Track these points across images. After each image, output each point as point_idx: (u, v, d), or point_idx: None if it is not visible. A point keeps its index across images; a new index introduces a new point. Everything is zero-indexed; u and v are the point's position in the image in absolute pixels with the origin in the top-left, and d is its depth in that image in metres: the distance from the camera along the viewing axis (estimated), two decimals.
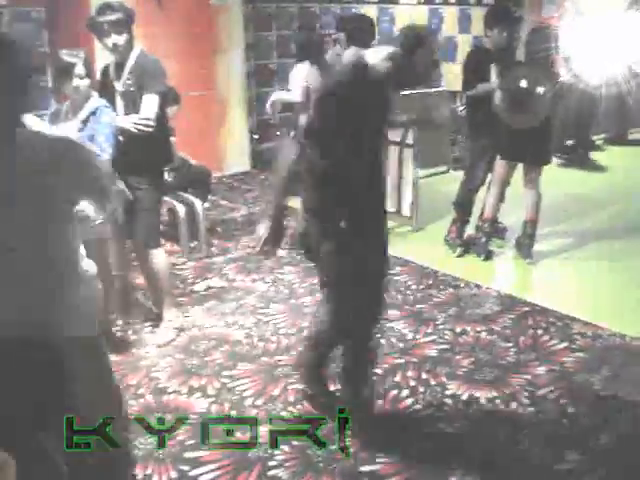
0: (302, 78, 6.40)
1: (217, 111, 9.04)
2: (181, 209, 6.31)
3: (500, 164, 6.18)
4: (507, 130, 5.81)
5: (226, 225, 7.39)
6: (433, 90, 10.46)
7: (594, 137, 10.49)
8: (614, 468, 3.53)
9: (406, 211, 7.24)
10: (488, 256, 6.28)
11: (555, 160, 7.91)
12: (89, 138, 4.22)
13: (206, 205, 6.97)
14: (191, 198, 6.48)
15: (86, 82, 4.21)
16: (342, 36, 6.23)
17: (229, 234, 7.09)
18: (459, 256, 6.38)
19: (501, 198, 6.29)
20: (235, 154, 9.33)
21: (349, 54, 6.25)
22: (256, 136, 9.45)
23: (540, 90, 5.60)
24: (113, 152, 4.25)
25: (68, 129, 4.26)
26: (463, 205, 6.44)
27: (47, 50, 8.21)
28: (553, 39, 5.91)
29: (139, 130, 4.43)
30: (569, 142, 9.88)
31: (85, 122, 4.24)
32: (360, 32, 6.71)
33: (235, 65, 9.12)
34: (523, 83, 5.61)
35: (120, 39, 4.43)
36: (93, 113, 4.25)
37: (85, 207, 4.14)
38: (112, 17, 4.37)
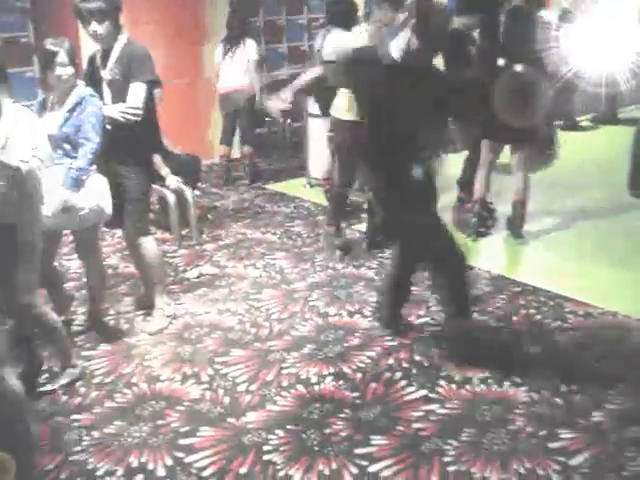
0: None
1: (205, 98, 8.99)
2: (171, 197, 6.29)
3: (486, 145, 6.18)
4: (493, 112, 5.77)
5: (217, 212, 7.37)
6: None
7: (580, 117, 10.49)
8: (607, 445, 3.55)
9: None
10: (479, 236, 6.28)
11: None
12: (76, 127, 4.21)
13: (196, 193, 6.95)
14: (181, 186, 6.45)
15: (69, 70, 4.19)
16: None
17: (220, 221, 7.08)
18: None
19: (489, 179, 6.29)
20: None
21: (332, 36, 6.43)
22: None
23: (520, 71, 5.59)
24: (100, 141, 4.24)
25: (54, 119, 4.24)
26: (468, 183, 6.42)
27: (32, 40, 8.18)
28: (533, 21, 5.85)
29: (126, 119, 4.41)
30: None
31: (71, 112, 4.23)
32: (340, 14, 6.80)
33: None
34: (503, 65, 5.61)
35: (100, 27, 4.38)
36: (79, 103, 4.23)
37: (71, 197, 4.17)
38: (93, 5, 4.33)
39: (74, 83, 4.27)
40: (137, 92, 4.44)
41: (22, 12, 8.20)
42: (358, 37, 5.82)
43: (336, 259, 6.00)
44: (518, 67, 5.67)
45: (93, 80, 4.55)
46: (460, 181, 6.55)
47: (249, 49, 7.93)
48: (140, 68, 4.48)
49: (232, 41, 7.91)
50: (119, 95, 4.48)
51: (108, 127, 4.37)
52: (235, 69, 7.92)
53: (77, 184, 4.17)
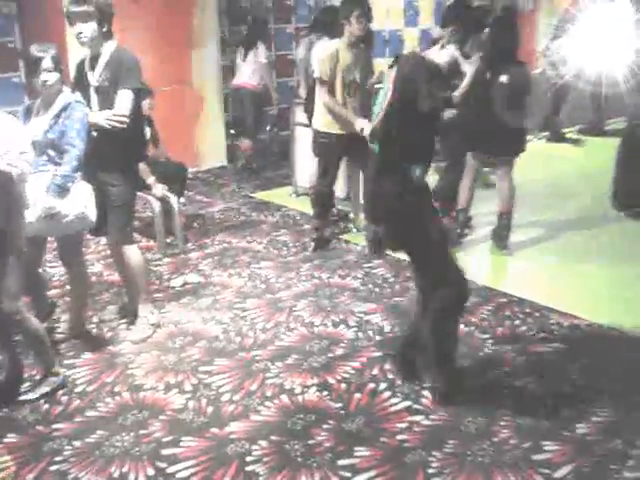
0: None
1: (193, 106, 8.98)
2: (156, 205, 6.25)
3: (472, 156, 6.19)
4: (476, 124, 5.79)
5: (202, 220, 7.34)
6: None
7: (566, 129, 10.51)
8: (591, 458, 3.55)
9: None
10: (459, 242, 6.28)
11: None
12: (61, 133, 4.18)
13: (182, 200, 6.92)
14: (167, 193, 6.41)
15: (55, 76, 4.18)
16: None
17: (205, 229, 7.05)
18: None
19: (473, 189, 6.30)
20: (211, 149, 9.27)
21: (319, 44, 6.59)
22: (232, 131, 9.41)
23: (504, 82, 5.64)
24: (85, 148, 4.21)
25: (39, 125, 4.22)
26: (449, 193, 6.41)
27: (19, 45, 8.16)
28: (518, 29, 5.88)
29: (112, 126, 4.38)
30: None
31: (57, 117, 4.20)
32: (324, 24, 7.04)
33: (211, 59, 9.05)
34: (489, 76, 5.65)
35: (85, 27, 4.37)
36: (64, 108, 4.21)
37: (55, 204, 4.14)
38: (78, 9, 4.34)
39: (60, 89, 4.25)
40: (124, 99, 4.41)
41: (8, 17, 8.17)
42: (332, 48, 6.03)
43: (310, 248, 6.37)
44: (503, 77, 5.73)
45: (81, 86, 4.53)
46: (436, 191, 6.51)
47: (260, 53, 8.88)
48: (128, 75, 4.46)
49: (248, 45, 8.91)
50: (106, 102, 4.46)
51: (94, 134, 4.35)
52: (246, 69, 8.89)
53: (62, 191, 4.14)
